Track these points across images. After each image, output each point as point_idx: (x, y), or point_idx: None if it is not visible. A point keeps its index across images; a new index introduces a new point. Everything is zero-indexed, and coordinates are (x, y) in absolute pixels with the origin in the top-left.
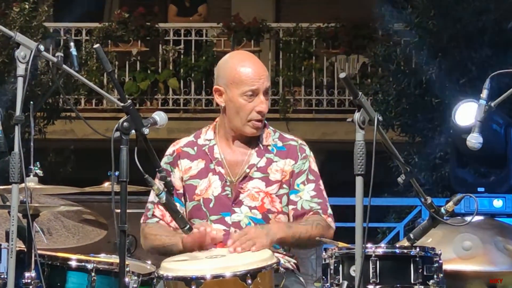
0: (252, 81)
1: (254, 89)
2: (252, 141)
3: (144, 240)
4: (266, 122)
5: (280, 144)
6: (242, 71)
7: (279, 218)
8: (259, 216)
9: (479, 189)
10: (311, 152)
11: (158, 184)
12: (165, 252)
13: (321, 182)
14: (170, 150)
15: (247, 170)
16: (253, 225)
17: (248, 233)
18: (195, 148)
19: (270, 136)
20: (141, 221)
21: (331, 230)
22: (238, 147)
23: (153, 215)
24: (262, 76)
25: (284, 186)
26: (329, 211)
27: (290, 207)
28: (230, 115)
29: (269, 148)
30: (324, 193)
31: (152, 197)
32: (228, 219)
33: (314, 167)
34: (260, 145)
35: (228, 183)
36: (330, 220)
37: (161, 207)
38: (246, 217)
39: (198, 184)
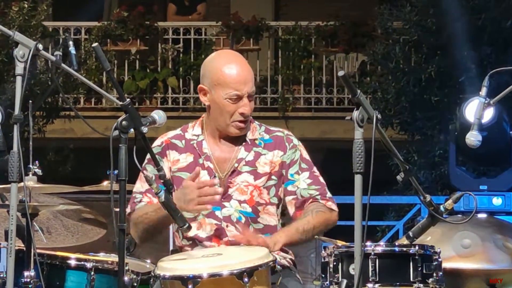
0: (237, 85)
1: (239, 93)
2: (239, 137)
3: (135, 229)
4: (251, 117)
5: (267, 136)
6: (227, 73)
7: (268, 209)
8: (249, 210)
9: (481, 187)
10: (299, 142)
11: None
12: (160, 225)
13: (315, 168)
14: (158, 142)
15: (236, 165)
16: (243, 218)
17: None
18: (183, 141)
19: (256, 130)
20: (128, 211)
21: (334, 212)
22: (225, 144)
23: (141, 201)
24: (247, 81)
25: (273, 177)
26: (328, 194)
27: (290, 197)
28: (214, 114)
29: (256, 142)
30: (321, 178)
31: (138, 187)
32: (218, 213)
33: (306, 155)
34: (247, 140)
35: (217, 178)
36: (330, 203)
37: (149, 195)
38: (236, 211)
39: (186, 178)
